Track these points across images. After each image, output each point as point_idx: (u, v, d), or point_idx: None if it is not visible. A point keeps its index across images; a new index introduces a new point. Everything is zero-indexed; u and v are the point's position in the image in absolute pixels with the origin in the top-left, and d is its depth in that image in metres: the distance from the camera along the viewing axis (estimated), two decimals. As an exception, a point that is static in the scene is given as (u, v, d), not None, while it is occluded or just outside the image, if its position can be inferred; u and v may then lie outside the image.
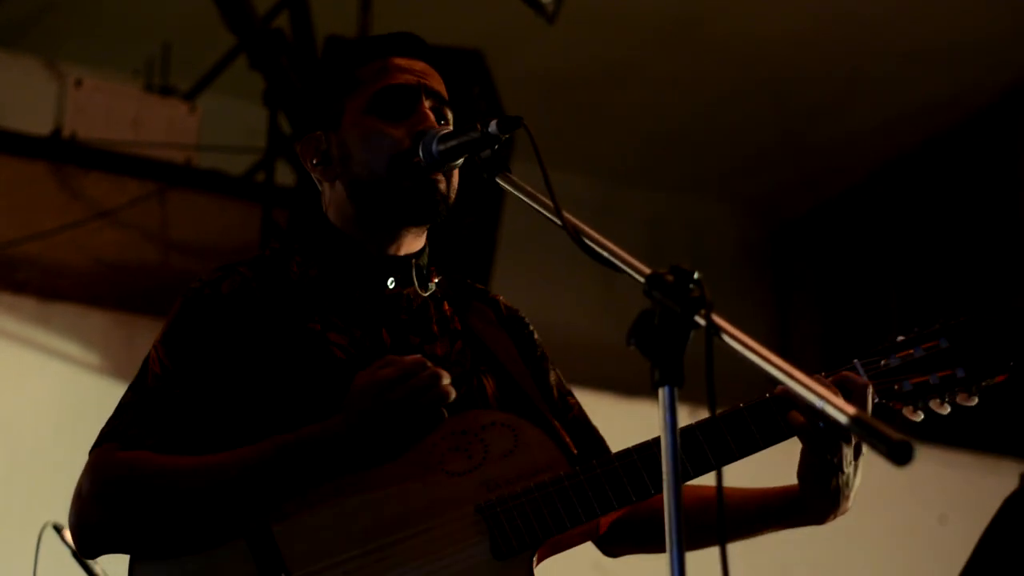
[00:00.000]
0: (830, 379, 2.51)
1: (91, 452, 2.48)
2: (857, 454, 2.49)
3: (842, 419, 1.80)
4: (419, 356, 2.44)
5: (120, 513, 2.41)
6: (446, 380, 2.43)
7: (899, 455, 1.74)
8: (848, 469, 2.48)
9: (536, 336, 2.81)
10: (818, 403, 1.84)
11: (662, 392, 1.89)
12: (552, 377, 2.79)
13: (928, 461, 7.14)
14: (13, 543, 4.51)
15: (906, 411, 2.56)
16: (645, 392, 1.90)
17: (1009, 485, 3.98)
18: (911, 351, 2.57)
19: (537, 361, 2.78)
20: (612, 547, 2.73)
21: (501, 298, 2.83)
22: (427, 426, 2.43)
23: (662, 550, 2.67)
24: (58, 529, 3.89)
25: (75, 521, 2.45)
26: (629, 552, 2.75)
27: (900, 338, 2.59)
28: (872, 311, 9.06)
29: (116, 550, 2.46)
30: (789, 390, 2.43)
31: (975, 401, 2.55)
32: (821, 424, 2.45)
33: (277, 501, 2.40)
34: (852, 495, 2.52)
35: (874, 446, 1.76)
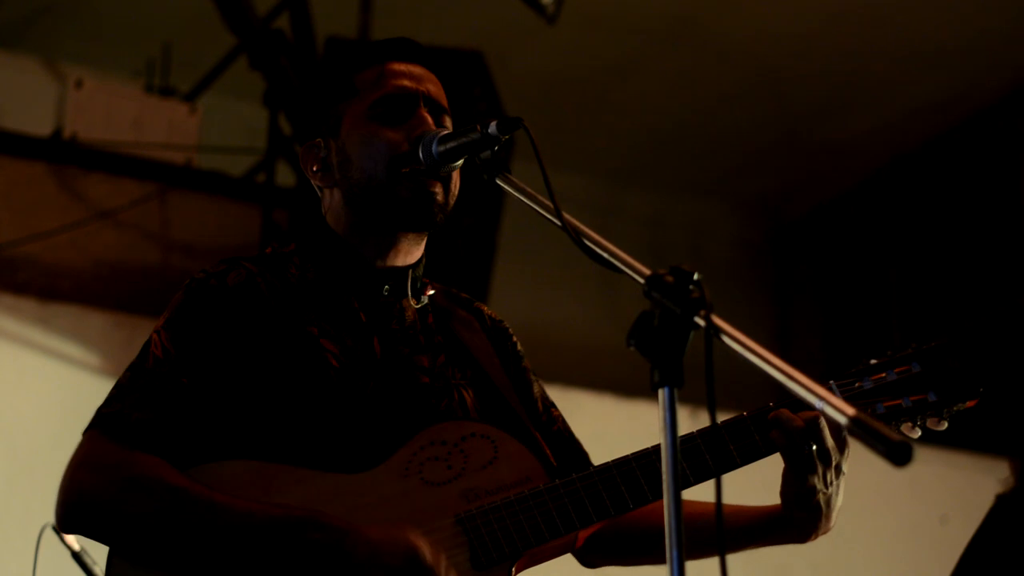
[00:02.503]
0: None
1: (90, 432, 2.46)
2: (838, 473, 2.51)
3: (841, 420, 1.80)
4: None
5: (120, 514, 2.40)
6: None
7: (898, 456, 1.74)
8: (830, 489, 2.50)
9: (520, 348, 2.81)
10: (817, 403, 1.84)
11: (662, 393, 1.89)
12: (536, 389, 2.79)
13: (929, 462, 7.14)
14: (13, 544, 4.51)
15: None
16: (645, 393, 1.89)
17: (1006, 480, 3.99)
18: (884, 374, 2.59)
19: (520, 372, 2.78)
20: (590, 558, 2.74)
21: (485, 308, 2.83)
22: None
23: (639, 562, 2.69)
24: (58, 530, 3.88)
25: (66, 498, 2.42)
26: (606, 563, 2.75)
27: (873, 361, 2.61)
28: (872, 311, 9.06)
29: (97, 539, 2.45)
30: (776, 413, 2.47)
31: (944, 426, 2.58)
32: (806, 450, 2.46)
33: (279, 567, 2.38)
34: (835, 514, 2.54)
35: (874, 447, 1.76)
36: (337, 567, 2.35)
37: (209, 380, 2.47)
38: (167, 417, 2.44)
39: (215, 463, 2.46)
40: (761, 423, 2.51)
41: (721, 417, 2.48)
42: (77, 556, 3.79)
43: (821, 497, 2.49)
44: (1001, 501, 3.86)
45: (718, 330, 1.89)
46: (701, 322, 1.89)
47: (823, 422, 2.46)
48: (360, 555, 2.35)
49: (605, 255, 2.18)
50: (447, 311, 2.74)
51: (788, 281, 9.59)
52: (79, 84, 6.63)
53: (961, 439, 7.35)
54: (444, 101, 2.69)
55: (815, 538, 2.57)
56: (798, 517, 2.53)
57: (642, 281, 1.97)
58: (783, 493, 2.53)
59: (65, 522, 2.44)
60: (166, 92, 6.89)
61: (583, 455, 2.77)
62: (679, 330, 1.90)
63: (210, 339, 2.50)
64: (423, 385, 2.60)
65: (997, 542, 3.78)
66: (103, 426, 2.45)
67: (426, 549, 2.37)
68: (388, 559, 2.35)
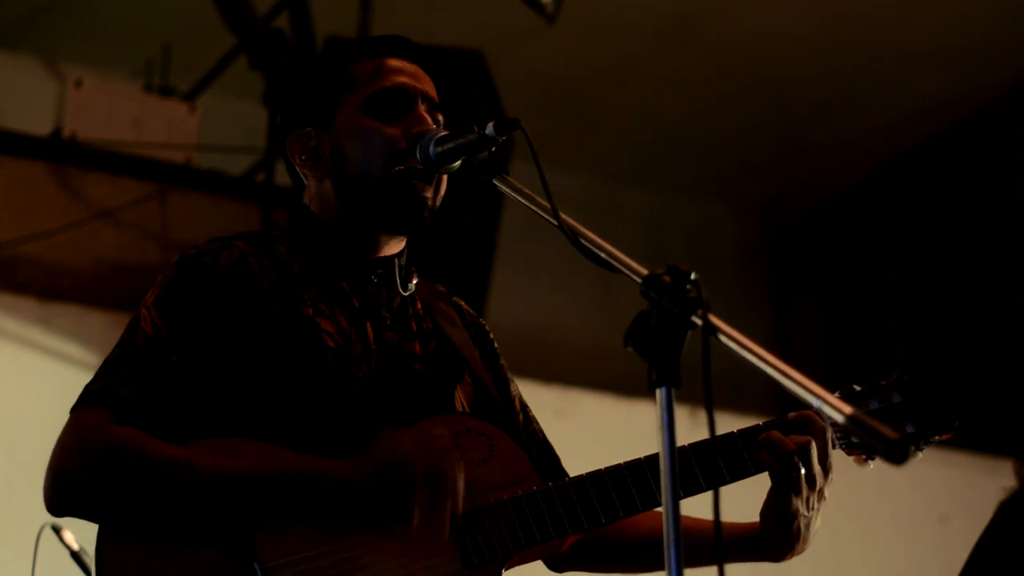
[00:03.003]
0: (793, 416, 2.55)
1: (77, 410, 2.43)
2: (820, 498, 2.53)
3: (839, 418, 1.81)
4: (457, 460, 2.41)
5: (104, 488, 2.37)
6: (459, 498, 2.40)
7: (896, 454, 1.74)
8: (811, 513, 2.53)
9: (496, 345, 2.82)
10: (815, 402, 1.84)
11: (659, 393, 1.89)
12: (512, 388, 2.80)
13: (928, 461, 7.11)
14: (13, 544, 4.51)
15: (857, 460, 2.61)
16: (644, 393, 1.90)
17: (1009, 485, 3.98)
18: (868, 402, 2.63)
19: (498, 370, 2.79)
20: (560, 564, 2.74)
21: (463, 303, 2.83)
22: (429, 519, 2.38)
23: (609, 571, 2.72)
24: (57, 530, 3.89)
25: (52, 478, 2.39)
26: (576, 569, 2.75)
27: (857, 387, 2.64)
28: (872, 311, 9.06)
29: (86, 517, 2.42)
30: (766, 435, 2.49)
31: (919, 456, 2.60)
32: (794, 474, 2.48)
33: (265, 521, 2.37)
34: (812, 538, 2.57)
35: (872, 446, 1.77)
36: (339, 503, 2.37)
37: (200, 359, 2.45)
38: (156, 395, 2.41)
39: (209, 440, 2.43)
40: (751, 443, 2.53)
41: (720, 417, 2.48)
42: (76, 556, 3.80)
43: (802, 520, 2.52)
44: (1003, 507, 3.87)
45: (715, 329, 1.90)
46: (698, 321, 1.90)
47: (813, 447, 2.49)
48: (367, 490, 2.36)
49: (602, 255, 2.18)
50: (429, 304, 2.74)
51: (788, 281, 9.59)
52: (79, 84, 6.63)
53: (960, 439, 7.34)
54: (437, 100, 2.69)
55: (789, 559, 2.60)
56: (776, 537, 2.55)
57: (639, 281, 1.97)
58: (764, 513, 2.55)
59: (53, 504, 2.41)
60: (166, 92, 6.89)
61: (556, 460, 2.78)
62: (676, 330, 1.90)
63: (202, 318, 2.47)
64: (415, 372, 2.60)
65: (999, 548, 3.79)
66: (90, 403, 2.42)
67: (408, 441, 2.38)
68: (386, 475, 2.36)
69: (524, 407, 2.80)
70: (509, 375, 2.81)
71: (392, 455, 2.38)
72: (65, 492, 2.39)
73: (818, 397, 1.85)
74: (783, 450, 2.48)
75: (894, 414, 2.61)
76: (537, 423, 2.81)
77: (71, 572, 3.81)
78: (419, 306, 2.70)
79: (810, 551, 2.63)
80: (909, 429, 2.62)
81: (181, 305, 2.49)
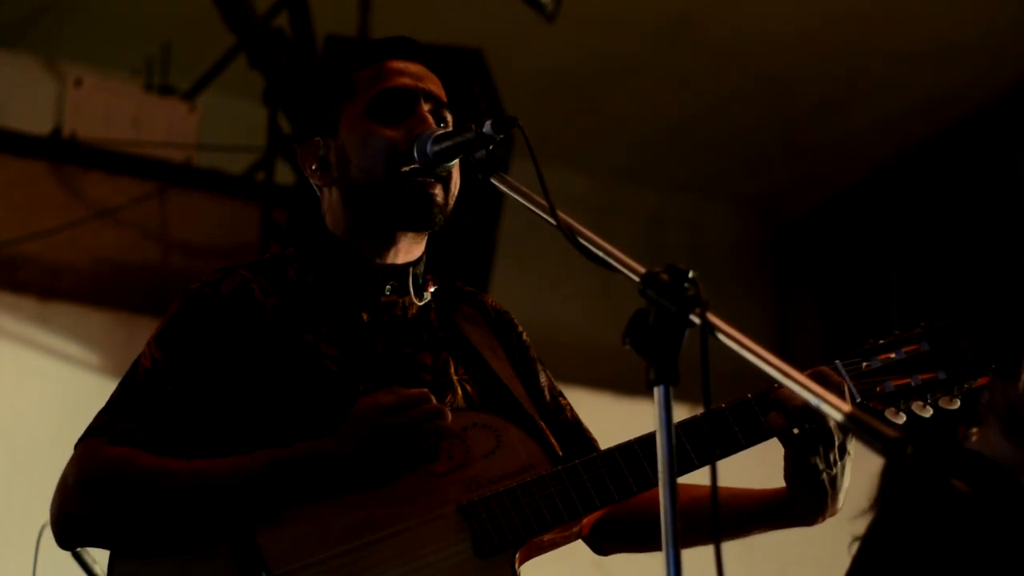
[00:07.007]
0: (805, 375, 2.50)
1: (77, 445, 2.48)
2: (842, 454, 2.49)
3: (837, 416, 1.80)
4: (424, 390, 2.45)
5: (104, 509, 2.40)
6: (446, 418, 2.43)
7: (894, 452, 1.74)
8: (834, 470, 2.48)
9: (525, 337, 2.81)
10: (813, 400, 1.84)
11: (657, 391, 1.89)
12: (542, 379, 2.79)
13: (928, 460, 7.14)
14: (13, 543, 4.51)
15: (888, 412, 2.56)
16: (644, 391, 1.90)
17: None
18: (892, 354, 2.58)
19: (526, 363, 2.78)
20: (601, 545, 2.73)
21: (490, 300, 2.83)
22: (418, 456, 2.43)
23: (650, 548, 2.69)
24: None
25: (57, 513, 2.44)
26: (619, 551, 2.75)
27: (881, 341, 2.59)
28: (872, 311, 9.06)
29: (96, 545, 2.46)
30: (776, 394, 2.47)
31: (957, 404, 2.56)
32: (795, 431, 2.45)
33: (263, 513, 2.39)
34: (841, 496, 2.52)
35: (870, 444, 1.76)
36: (328, 476, 2.39)
37: (197, 386, 2.48)
38: (151, 424, 2.45)
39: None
40: (765, 404, 2.50)
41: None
42: (77, 555, 3.80)
43: (825, 477, 2.48)
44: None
45: (713, 328, 1.89)
46: (696, 320, 1.89)
47: None
48: (345, 453, 2.40)
49: (600, 253, 2.18)
50: (450, 307, 2.74)
51: (788, 280, 9.59)
52: (78, 83, 6.64)
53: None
54: (444, 99, 2.68)
55: (822, 520, 2.55)
56: (803, 498, 2.51)
57: (637, 279, 1.97)
58: (786, 474, 2.51)
59: (61, 539, 2.46)
60: (165, 90, 6.89)
61: (593, 444, 2.76)
62: (674, 328, 1.89)
63: (199, 345, 2.51)
64: (425, 383, 2.59)
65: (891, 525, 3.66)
66: (90, 437, 2.47)
67: (370, 399, 2.42)
68: (356, 429, 2.40)
69: (555, 397, 2.80)
70: (540, 366, 2.80)
71: (360, 408, 2.42)
72: (70, 524, 2.44)
73: (816, 395, 1.85)
74: (789, 407, 2.45)
75: (923, 363, 2.56)
76: (572, 411, 2.81)
77: (72, 572, 3.81)
78: (433, 316, 2.70)
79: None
80: (941, 376, 2.55)
81: (179, 336, 2.52)
